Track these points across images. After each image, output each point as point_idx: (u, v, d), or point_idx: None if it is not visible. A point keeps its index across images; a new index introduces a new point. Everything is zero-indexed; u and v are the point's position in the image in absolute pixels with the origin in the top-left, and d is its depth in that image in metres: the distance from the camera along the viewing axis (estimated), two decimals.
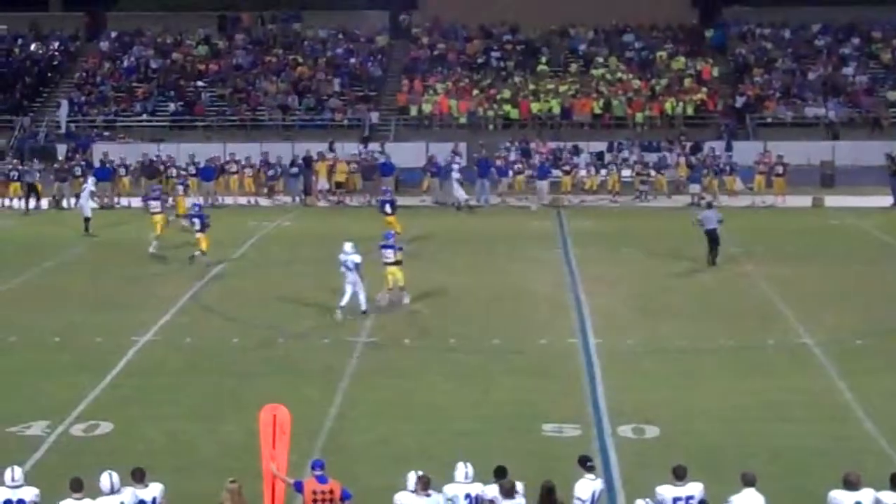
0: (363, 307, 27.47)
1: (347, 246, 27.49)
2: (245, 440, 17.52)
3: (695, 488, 14.21)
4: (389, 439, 19.39)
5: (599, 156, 50.66)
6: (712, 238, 33.75)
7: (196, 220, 34.10)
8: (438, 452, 18.06)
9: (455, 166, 46.35)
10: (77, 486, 13.95)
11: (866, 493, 13.91)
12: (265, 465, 15.11)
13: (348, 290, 27.36)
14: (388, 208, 36.41)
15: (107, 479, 14.04)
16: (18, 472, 14.28)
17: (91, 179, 42.97)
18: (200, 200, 40.76)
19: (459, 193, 45.04)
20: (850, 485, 13.94)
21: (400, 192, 46.40)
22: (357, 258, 27.32)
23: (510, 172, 47.73)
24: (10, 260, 35.07)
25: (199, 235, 33.91)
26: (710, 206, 36.22)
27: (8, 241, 38.98)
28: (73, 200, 44.78)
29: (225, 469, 16.28)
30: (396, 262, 28.57)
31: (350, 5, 65.88)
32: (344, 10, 66.06)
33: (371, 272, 28.38)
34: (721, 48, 62.52)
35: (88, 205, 39.94)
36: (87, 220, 39.43)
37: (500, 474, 14.49)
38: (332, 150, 50.18)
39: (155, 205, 36.85)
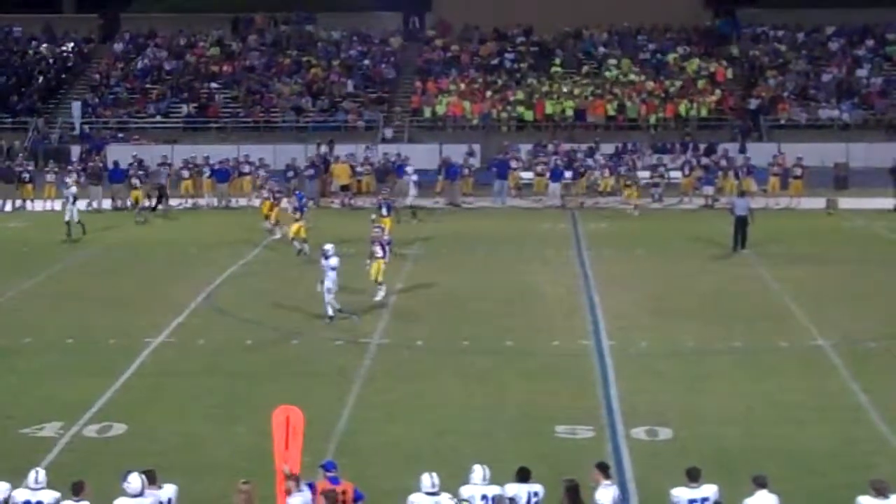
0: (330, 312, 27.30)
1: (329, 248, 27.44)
2: (258, 441, 17.51)
3: (709, 490, 14.18)
4: (402, 441, 19.38)
5: (612, 157, 50.59)
6: (741, 224, 35.31)
7: (298, 210, 35.40)
8: (451, 454, 18.05)
9: (409, 167, 45.89)
10: (77, 490, 13.98)
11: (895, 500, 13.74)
12: (278, 467, 15.10)
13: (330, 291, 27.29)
14: (384, 210, 36.03)
15: (137, 480, 13.95)
16: (42, 474, 14.33)
17: (69, 180, 42.50)
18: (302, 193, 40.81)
19: (411, 195, 43.68)
20: (879, 493, 13.73)
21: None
22: (335, 261, 27.07)
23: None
24: (25, 261, 35.13)
25: (295, 225, 34.94)
26: (742, 194, 37.48)
27: (22, 242, 39.01)
28: (102, 202, 44.87)
29: (238, 470, 16.27)
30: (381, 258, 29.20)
31: (363, 7, 65.94)
32: (357, 12, 66.14)
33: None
34: (727, 39, 62.50)
35: (72, 209, 38.79)
36: (68, 224, 38.48)
37: (522, 475, 14.50)
38: (319, 152, 50.29)
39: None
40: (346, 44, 64.43)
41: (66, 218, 38.68)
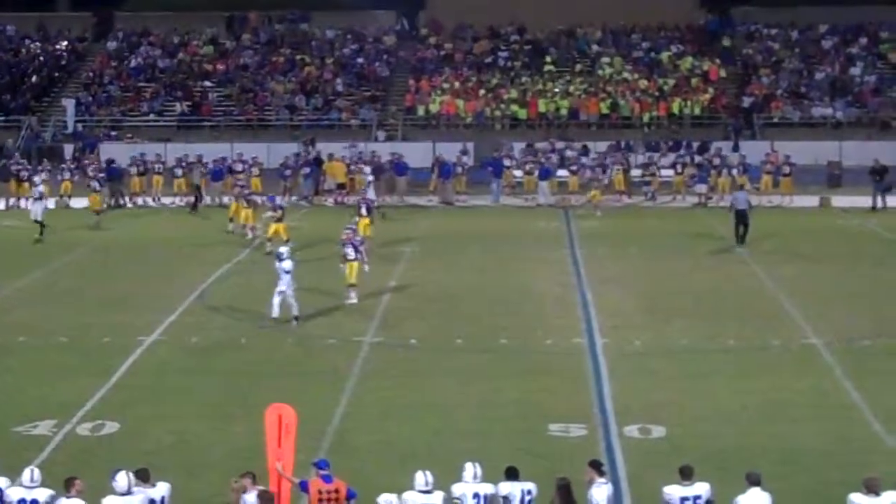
0: (295, 313, 26.94)
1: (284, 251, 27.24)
2: (252, 440, 17.50)
3: (702, 488, 14.18)
4: (395, 439, 19.38)
5: (605, 156, 50.59)
6: (742, 219, 35.89)
7: (277, 209, 35.68)
8: (444, 452, 18.04)
9: (367, 168, 45.61)
10: (69, 486, 13.99)
11: (887, 498, 13.71)
12: (271, 465, 15.11)
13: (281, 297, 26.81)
14: (363, 210, 35.57)
15: (124, 478, 13.92)
16: (37, 473, 14.31)
17: (38, 179, 42.12)
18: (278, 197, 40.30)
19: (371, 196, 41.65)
20: (871, 491, 13.71)
21: (408, 192, 46.59)
22: (288, 265, 26.74)
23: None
24: (18, 260, 35.09)
25: (274, 226, 35.02)
26: (741, 188, 38.37)
27: (16, 241, 38.93)
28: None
29: (232, 469, 16.20)
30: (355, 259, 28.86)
31: (357, 5, 65.95)
32: (351, 11, 66.16)
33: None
34: (717, 36, 62.60)
35: (39, 208, 38.19)
36: (39, 223, 37.93)
37: (511, 474, 14.50)
38: (305, 149, 50.27)
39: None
40: (339, 42, 64.43)
41: (37, 217, 38.14)
